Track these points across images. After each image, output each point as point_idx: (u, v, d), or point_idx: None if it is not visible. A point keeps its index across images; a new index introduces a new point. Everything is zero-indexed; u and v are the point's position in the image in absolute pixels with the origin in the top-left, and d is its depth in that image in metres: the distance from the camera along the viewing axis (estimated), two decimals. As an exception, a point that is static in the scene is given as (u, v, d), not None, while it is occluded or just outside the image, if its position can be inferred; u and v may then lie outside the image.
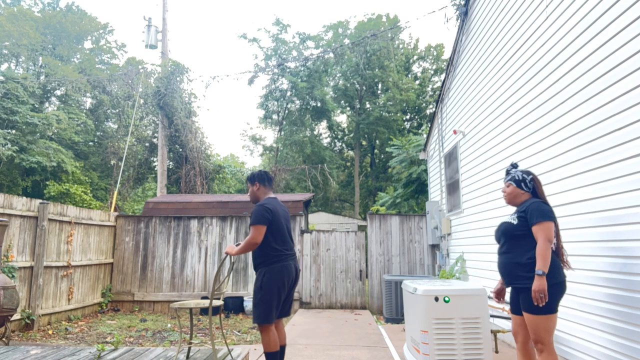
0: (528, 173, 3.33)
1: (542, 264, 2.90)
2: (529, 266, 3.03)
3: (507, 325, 5.39)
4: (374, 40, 22.51)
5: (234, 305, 8.33)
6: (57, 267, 7.15)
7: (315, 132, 27.61)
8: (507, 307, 5.34)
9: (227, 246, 4.22)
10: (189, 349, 4.07)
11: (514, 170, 3.44)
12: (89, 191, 16.33)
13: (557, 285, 2.97)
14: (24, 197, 6.52)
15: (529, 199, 3.26)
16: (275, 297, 3.55)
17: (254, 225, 3.58)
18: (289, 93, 24.32)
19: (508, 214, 5.48)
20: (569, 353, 4.10)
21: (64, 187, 15.05)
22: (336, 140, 30.94)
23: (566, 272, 4.24)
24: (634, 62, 3.28)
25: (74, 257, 7.59)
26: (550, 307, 2.93)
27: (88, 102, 23.40)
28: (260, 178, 3.94)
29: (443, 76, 11.78)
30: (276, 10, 59.92)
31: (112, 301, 8.67)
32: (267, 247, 3.64)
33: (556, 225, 3.12)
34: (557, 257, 3.10)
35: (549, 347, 2.94)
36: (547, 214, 3.06)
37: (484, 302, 3.90)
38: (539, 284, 2.88)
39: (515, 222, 3.18)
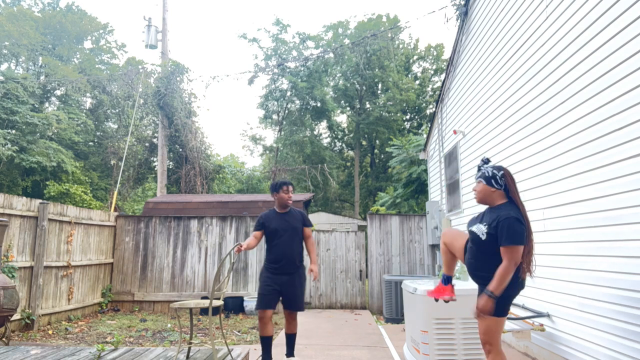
0: (499, 169, 3.05)
1: (496, 286, 2.74)
2: (489, 279, 2.85)
3: (507, 325, 5.38)
4: (374, 40, 22.46)
5: (234, 305, 8.33)
6: (57, 267, 7.15)
7: (315, 132, 27.58)
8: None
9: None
10: (189, 349, 4.07)
11: (484, 166, 3.14)
12: (89, 191, 16.33)
13: (509, 295, 2.84)
14: (24, 197, 6.52)
15: (503, 206, 2.97)
16: None
17: (312, 227, 4.61)
18: (289, 93, 24.31)
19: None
20: (570, 353, 4.10)
21: (64, 187, 15.05)
22: (336, 140, 30.91)
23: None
24: (634, 62, 3.28)
25: (74, 257, 7.59)
26: (501, 311, 2.83)
27: (88, 102, 23.39)
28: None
29: (443, 76, 11.78)
30: (276, 10, 59.94)
31: (112, 301, 8.67)
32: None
33: (529, 239, 2.88)
34: (518, 273, 2.84)
35: (496, 348, 2.87)
36: (517, 237, 2.78)
37: (484, 302, 3.90)
38: (484, 305, 2.75)
39: (483, 237, 2.91)
